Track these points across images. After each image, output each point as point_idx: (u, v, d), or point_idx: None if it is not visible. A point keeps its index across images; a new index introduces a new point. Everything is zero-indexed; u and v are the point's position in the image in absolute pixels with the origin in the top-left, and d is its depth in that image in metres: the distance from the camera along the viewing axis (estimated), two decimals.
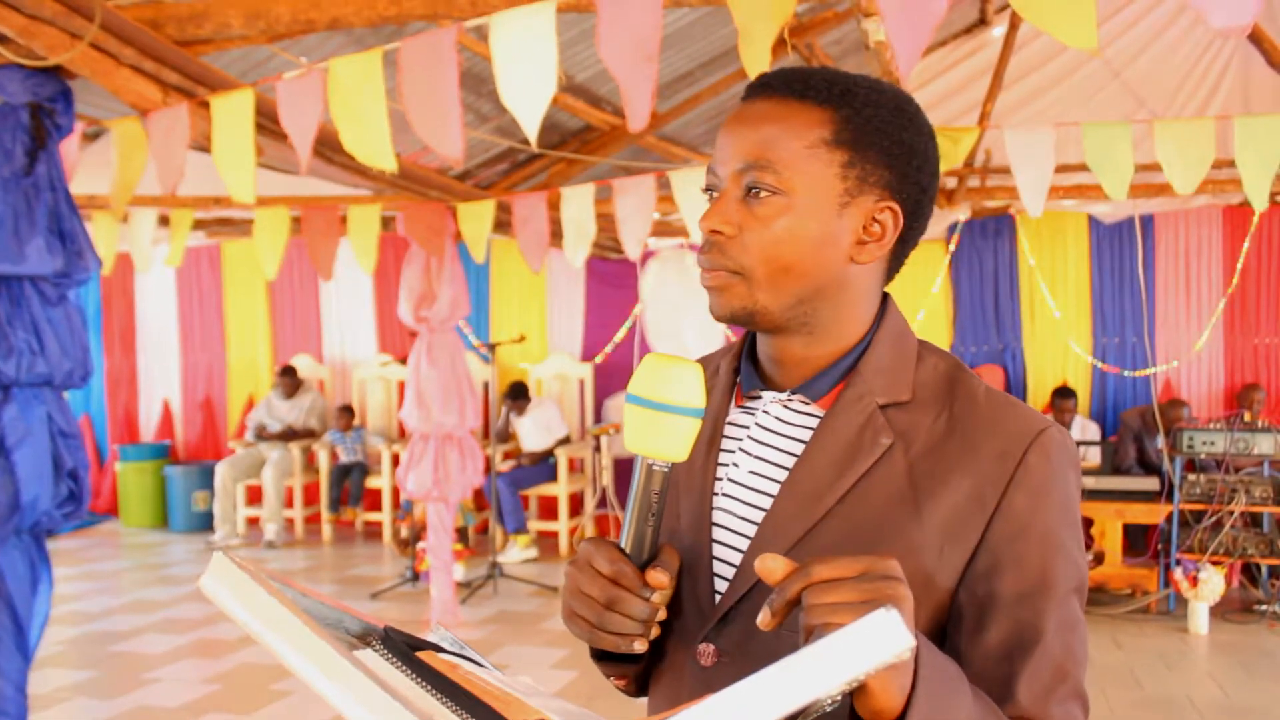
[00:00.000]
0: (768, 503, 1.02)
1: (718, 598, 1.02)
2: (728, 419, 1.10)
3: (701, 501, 1.06)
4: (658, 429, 0.92)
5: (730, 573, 1.02)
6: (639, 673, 1.11)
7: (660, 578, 0.93)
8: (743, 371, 1.10)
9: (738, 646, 1.00)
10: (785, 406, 1.06)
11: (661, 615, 0.97)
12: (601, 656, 1.08)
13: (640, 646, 0.95)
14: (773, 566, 0.82)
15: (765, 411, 1.06)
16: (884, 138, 0.99)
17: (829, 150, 0.98)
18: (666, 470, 0.94)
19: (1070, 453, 1.00)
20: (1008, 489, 0.96)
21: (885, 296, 1.08)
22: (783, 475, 1.02)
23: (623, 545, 0.96)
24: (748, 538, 1.02)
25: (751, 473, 1.04)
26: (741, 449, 1.06)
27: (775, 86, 1.01)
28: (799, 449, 1.03)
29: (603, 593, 0.93)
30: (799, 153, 0.97)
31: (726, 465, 1.06)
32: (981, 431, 0.99)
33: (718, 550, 1.03)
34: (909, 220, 1.02)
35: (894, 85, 1.04)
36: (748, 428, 1.07)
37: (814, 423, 1.03)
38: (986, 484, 0.96)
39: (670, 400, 0.92)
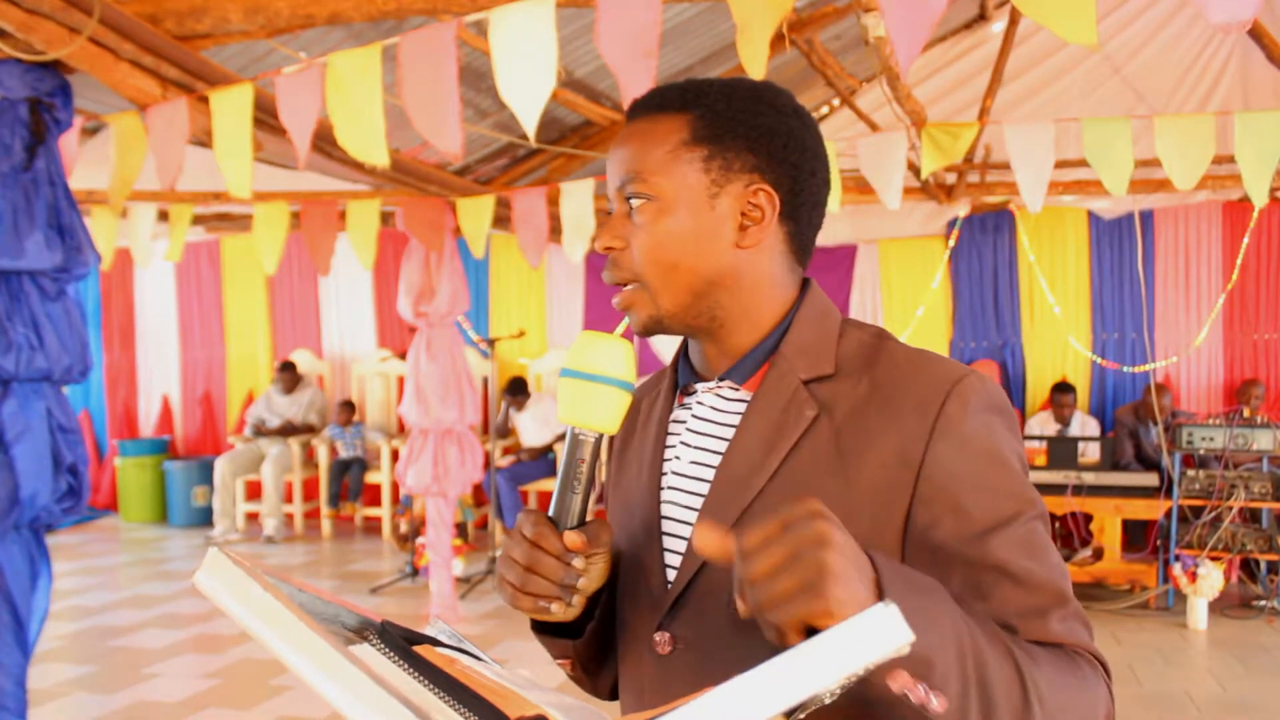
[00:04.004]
0: (708, 489, 1.05)
1: (670, 587, 1.05)
2: (671, 417, 1.14)
3: (650, 497, 1.09)
4: (587, 399, 0.98)
5: (679, 561, 1.05)
6: (585, 659, 1.14)
7: (576, 540, 0.98)
8: (680, 370, 1.15)
9: (692, 633, 1.03)
10: (717, 395, 1.09)
11: (588, 586, 1.00)
12: (540, 629, 1.13)
13: (556, 609, 0.99)
14: (706, 537, 0.82)
15: (700, 403, 1.10)
16: (740, 125, 1.04)
17: (688, 149, 1.03)
18: (594, 440, 0.99)
19: (990, 396, 0.99)
20: (930, 441, 0.97)
21: (807, 281, 1.11)
22: (719, 460, 1.05)
23: (550, 515, 1.01)
24: (692, 526, 1.05)
25: (692, 462, 1.08)
26: (681, 441, 1.10)
27: (639, 108, 1.08)
28: (732, 434, 1.06)
29: (524, 556, 0.98)
30: (661, 159, 1.03)
31: (670, 459, 1.10)
32: (900, 389, 1.00)
33: (667, 541, 1.07)
34: (787, 199, 1.05)
35: (755, 79, 1.10)
36: (685, 421, 1.11)
37: (744, 407, 1.07)
38: (910, 441, 0.97)
39: (599, 371, 0.98)
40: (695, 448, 1.08)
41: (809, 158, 1.06)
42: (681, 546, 1.05)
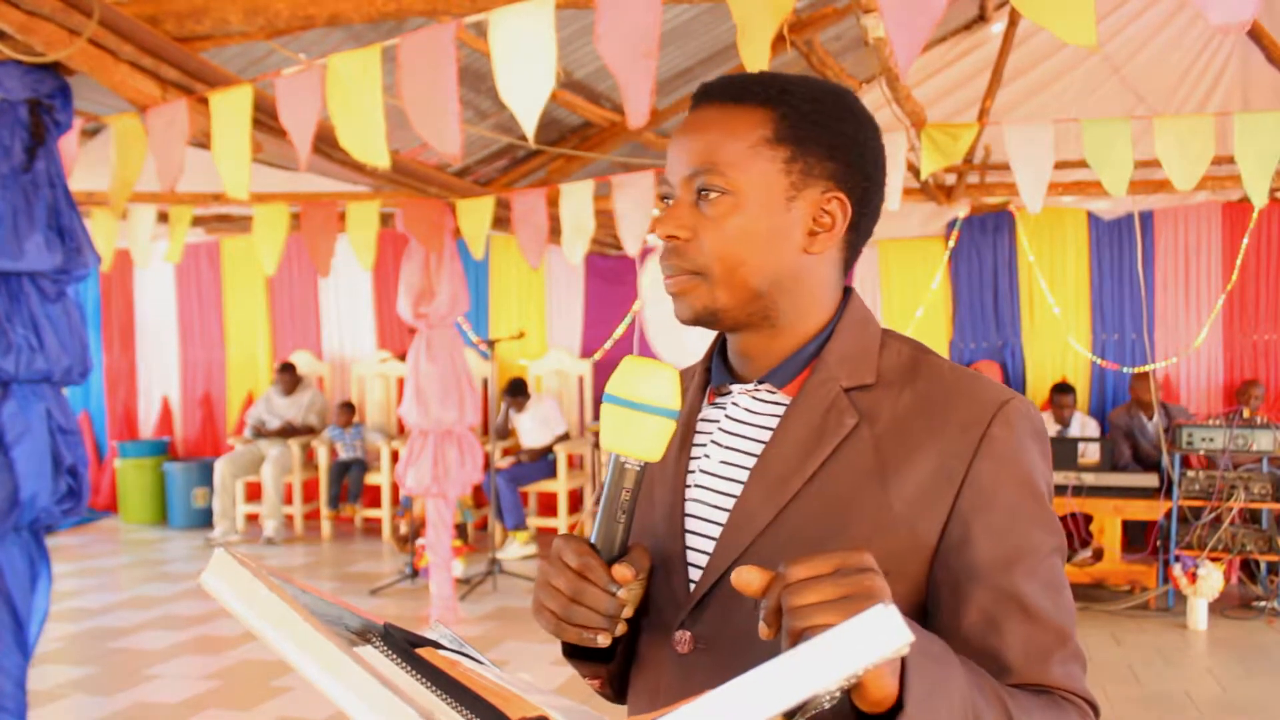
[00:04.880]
0: (739, 490, 1.04)
1: (692, 586, 1.04)
2: (700, 415, 1.13)
3: (674, 495, 1.08)
4: (632, 428, 0.95)
5: (704, 561, 1.04)
6: (613, 674, 1.13)
7: (625, 572, 0.95)
8: (713, 368, 1.13)
9: (714, 632, 1.02)
10: (753, 397, 1.08)
11: (628, 613, 0.99)
12: (573, 654, 1.11)
13: (603, 640, 0.96)
14: (749, 578, 0.84)
15: (734, 404, 1.09)
16: (824, 131, 1.02)
17: (771, 148, 1.01)
18: (639, 469, 0.96)
19: (1034, 422, 1.02)
20: (973, 460, 0.98)
21: (848, 290, 1.11)
22: (752, 462, 1.04)
23: (593, 541, 0.98)
24: (721, 525, 1.04)
25: (722, 463, 1.06)
26: (712, 441, 1.08)
27: (715, 94, 1.05)
28: (768, 436, 1.05)
29: (569, 585, 0.95)
30: (742, 153, 1.01)
31: (698, 458, 1.09)
32: (946, 405, 1.00)
33: (692, 540, 1.06)
34: (857, 209, 1.05)
35: (834, 82, 1.07)
36: (718, 421, 1.10)
37: (781, 410, 1.06)
38: (953, 457, 0.98)
39: (646, 400, 0.95)
40: (726, 448, 1.07)
41: (878, 170, 1.07)
42: (705, 545, 1.04)
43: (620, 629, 0.98)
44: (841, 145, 1.03)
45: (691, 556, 1.05)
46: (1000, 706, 0.89)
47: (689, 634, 1.03)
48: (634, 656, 1.11)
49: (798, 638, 0.78)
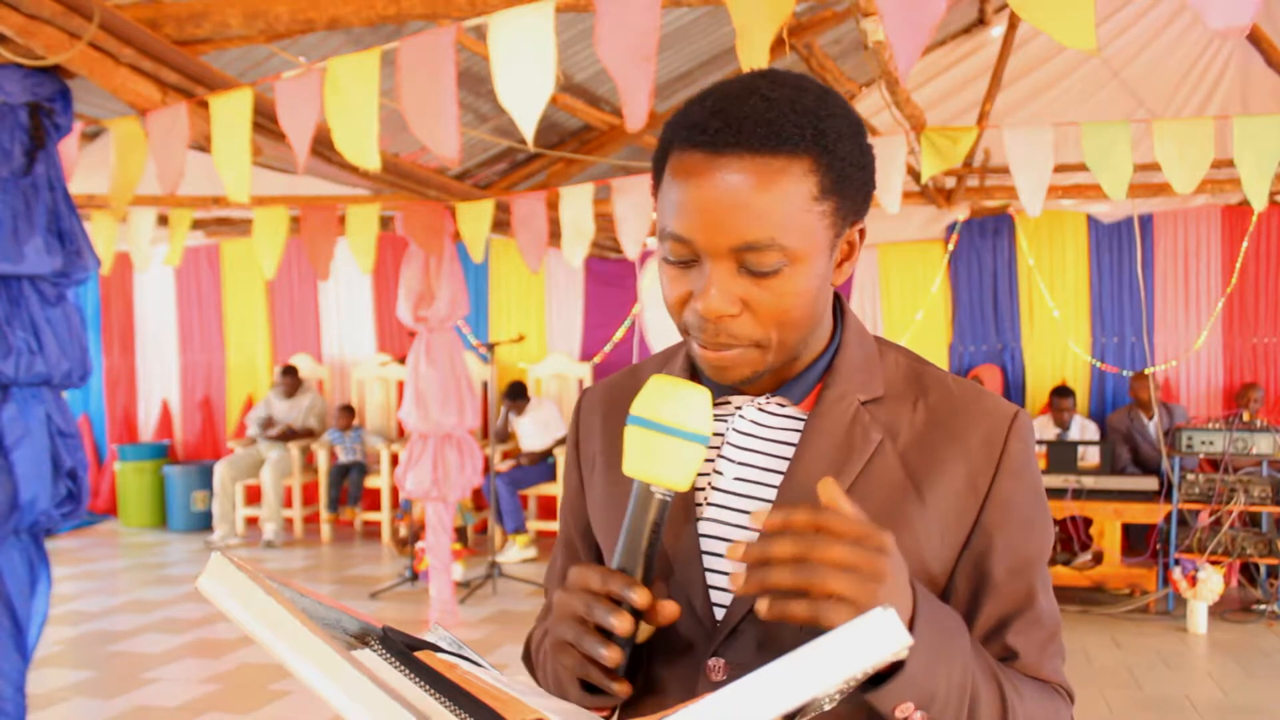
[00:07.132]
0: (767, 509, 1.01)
1: (718, 610, 0.99)
2: None
3: (686, 515, 1.02)
4: (661, 454, 0.89)
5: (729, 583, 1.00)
6: (623, 705, 1.08)
7: (671, 610, 0.93)
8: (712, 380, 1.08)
9: (749, 659, 0.97)
10: (761, 410, 1.05)
11: (641, 636, 0.95)
12: (588, 686, 1.04)
13: (621, 689, 0.93)
14: (781, 519, 0.85)
15: (741, 416, 1.05)
16: (854, 168, 0.95)
17: (818, 203, 0.92)
18: (667, 499, 0.90)
19: (1033, 435, 1.06)
20: (996, 474, 1.01)
21: (836, 296, 1.08)
22: (773, 478, 1.01)
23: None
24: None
25: (738, 479, 1.02)
26: (722, 456, 1.04)
27: (749, 141, 0.90)
28: (785, 451, 1.02)
29: (584, 605, 0.91)
30: (793, 217, 0.91)
31: (708, 474, 1.04)
32: (963, 419, 1.02)
33: (712, 562, 1.01)
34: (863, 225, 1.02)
35: (832, 92, 0.97)
36: (724, 435, 1.05)
37: (794, 424, 1.04)
38: (977, 471, 1.01)
39: (677, 424, 0.89)
40: (740, 464, 1.03)
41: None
42: (730, 566, 0.98)
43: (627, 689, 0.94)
44: (866, 177, 0.97)
45: (713, 579, 1.00)
46: (996, 688, 0.94)
47: (723, 661, 0.98)
48: (650, 686, 1.04)
49: (799, 592, 0.81)
